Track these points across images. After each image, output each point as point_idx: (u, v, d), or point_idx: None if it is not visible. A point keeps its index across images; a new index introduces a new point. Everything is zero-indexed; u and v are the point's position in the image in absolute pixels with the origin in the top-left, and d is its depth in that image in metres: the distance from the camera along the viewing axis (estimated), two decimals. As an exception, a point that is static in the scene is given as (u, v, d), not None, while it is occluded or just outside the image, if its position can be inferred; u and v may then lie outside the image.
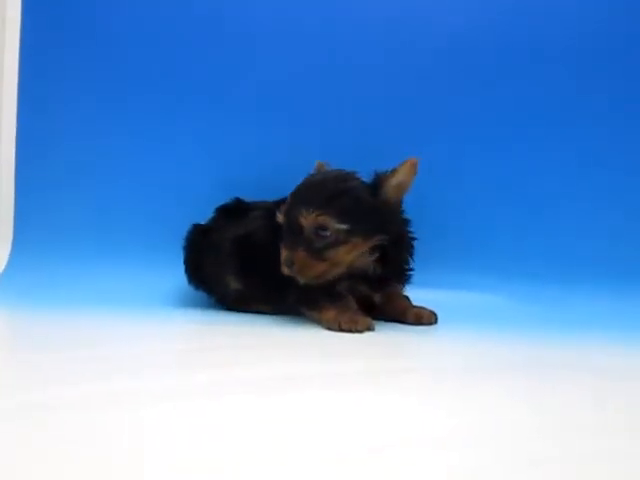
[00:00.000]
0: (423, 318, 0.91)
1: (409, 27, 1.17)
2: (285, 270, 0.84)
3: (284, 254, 0.84)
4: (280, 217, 0.87)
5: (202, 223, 1.05)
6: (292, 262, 0.83)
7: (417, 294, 0.96)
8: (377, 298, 0.91)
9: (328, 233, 0.82)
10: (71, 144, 1.26)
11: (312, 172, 0.93)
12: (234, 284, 0.98)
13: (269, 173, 1.16)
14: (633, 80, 1.13)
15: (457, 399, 0.51)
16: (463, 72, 1.16)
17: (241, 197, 1.05)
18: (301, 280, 0.84)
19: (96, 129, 1.25)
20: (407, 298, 0.96)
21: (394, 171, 0.84)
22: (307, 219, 0.82)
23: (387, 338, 0.80)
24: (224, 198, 1.08)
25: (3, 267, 1.25)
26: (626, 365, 0.68)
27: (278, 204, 0.97)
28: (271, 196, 1.00)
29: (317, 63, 1.19)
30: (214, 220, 1.04)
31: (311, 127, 1.19)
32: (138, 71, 1.24)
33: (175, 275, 1.06)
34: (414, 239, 0.92)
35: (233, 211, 1.03)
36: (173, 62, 1.23)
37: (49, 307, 0.95)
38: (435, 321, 0.92)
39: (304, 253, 0.83)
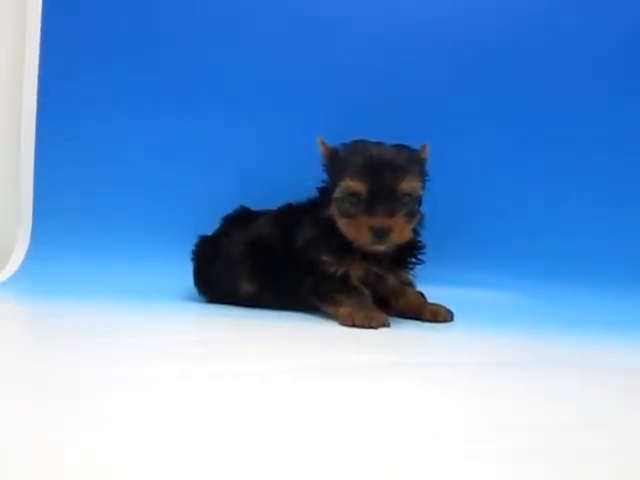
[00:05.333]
0: (439, 315, 0.90)
1: (423, 31, 1.16)
2: (368, 239, 0.82)
3: (377, 222, 0.80)
4: (357, 185, 0.82)
5: (208, 235, 1.05)
6: (390, 229, 0.81)
7: (432, 291, 0.96)
8: (391, 280, 0.90)
9: (412, 199, 0.84)
10: (88, 144, 1.28)
11: (333, 146, 0.89)
12: (246, 286, 0.98)
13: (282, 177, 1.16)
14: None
15: (474, 393, 0.50)
16: (474, 71, 1.15)
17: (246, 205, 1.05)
18: (384, 248, 0.84)
19: (112, 129, 1.27)
20: (422, 295, 0.95)
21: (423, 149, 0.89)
22: (408, 184, 0.82)
23: (403, 334, 0.80)
24: (234, 195, 1.09)
25: (21, 259, 1.27)
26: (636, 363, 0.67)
27: (283, 211, 0.99)
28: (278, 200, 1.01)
29: (322, 65, 1.19)
30: (221, 229, 1.04)
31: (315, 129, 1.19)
32: (150, 75, 1.25)
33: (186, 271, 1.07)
34: (423, 216, 0.91)
35: (240, 219, 1.03)
36: (184, 65, 1.24)
37: (66, 297, 0.97)
38: (451, 318, 0.91)
39: (403, 219, 0.83)
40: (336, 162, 0.88)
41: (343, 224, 0.85)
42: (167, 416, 0.40)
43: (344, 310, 0.83)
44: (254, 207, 1.05)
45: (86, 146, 1.28)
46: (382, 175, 0.82)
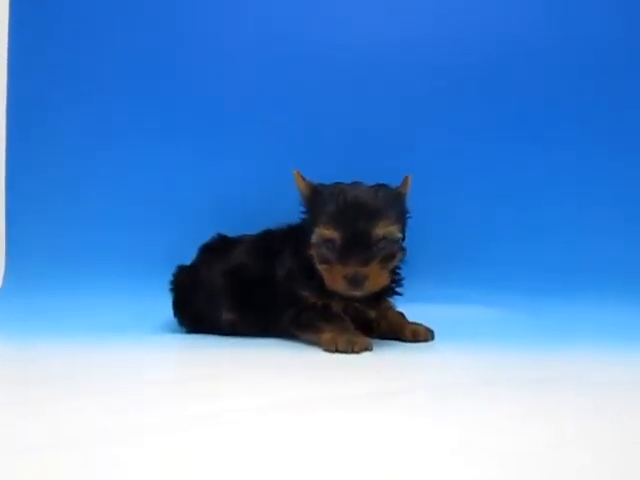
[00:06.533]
0: (420, 335, 0.91)
1: (413, 47, 1.18)
2: (343, 287, 0.81)
3: (351, 270, 0.80)
4: (330, 233, 0.82)
5: (186, 264, 1.04)
6: (365, 277, 0.80)
7: (412, 309, 0.96)
8: (372, 314, 0.91)
9: (389, 243, 0.83)
10: (64, 169, 1.25)
11: (311, 184, 0.90)
12: (227, 315, 0.97)
13: (259, 201, 1.17)
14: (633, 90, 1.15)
15: (462, 416, 0.50)
16: (457, 85, 1.17)
17: (223, 233, 1.04)
18: (360, 293, 0.83)
19: (90, 154, 1.25)
20: (402, 314, 0.95)
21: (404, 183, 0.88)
22: (381, 230, 0.81)
23: (385, 358, 0.79)
24: (219, 220, 1.11)
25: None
26: (627, 378, 0.68)
27: (262, 238, 0.99)
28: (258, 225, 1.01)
29: (302, 96, 1.20)
30: (199, 258, 1.03)
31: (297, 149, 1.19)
32: (128, 104, 1.24)
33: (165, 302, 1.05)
34: (404, 253, 0.91)
35: (218, 247, 1.02)
36: (163, 94, 1.23)
37: (41, 335, 0.94)
38: (432, 337, 0.92)
39: (378, 265, 0.82)
40: (313, 203, 0.88)
41: (321, 269, 0.85)
42: (154, 472, 0.39)
43: (326, 335, 0.82)
44: (231, 233, 1.05)
45: (59, 178, 1.26)
46: (356, 221, 0.81)
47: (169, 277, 1.03)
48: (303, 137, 1.19)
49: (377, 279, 0.83)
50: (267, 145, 1.21)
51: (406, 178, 0.90)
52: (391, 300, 0.94)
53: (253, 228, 1.03)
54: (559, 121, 1.16)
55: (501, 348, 0.85)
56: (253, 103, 1.21)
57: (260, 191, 1.19)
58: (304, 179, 0.90)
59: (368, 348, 0.81)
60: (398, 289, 0.93)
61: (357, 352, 0.79)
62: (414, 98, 1.18)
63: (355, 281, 0.80)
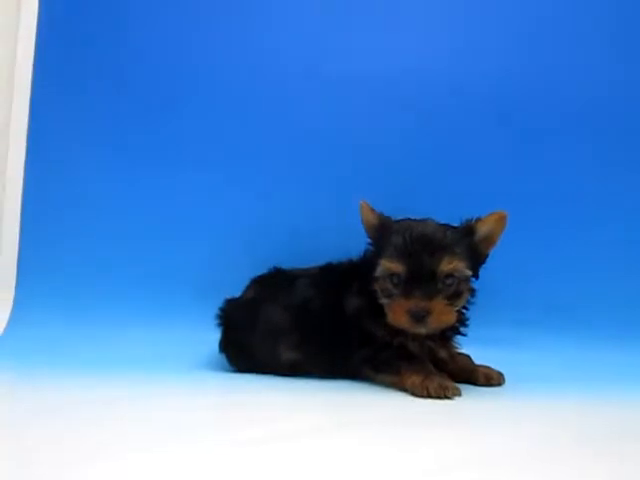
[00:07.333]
0: (493, 379, 0.88)
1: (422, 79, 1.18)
2: (406, 322, 0.79)
3: (415, 304, 0.78)
4: (395, 267, 0.80)
5: (236, 297, 0.98)
6: (427, 312, 0.78)
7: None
8: (442, 353, 0.87)
9: (456, 280, 0.80)
10: (75, 201, 1.20)
11: (387, 219, 0.88)
12: (288, 354, 0.90)
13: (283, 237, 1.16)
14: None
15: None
16: (453, 118, 1.18)
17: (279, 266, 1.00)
18: (425, 330, 0.80)
19: (102, 187, 1.20)
20: (469, 357, 0.93)
21: (481, 221, 0.84)
22: (448, 265, 0.79)
23: (475, 404, 0.77)
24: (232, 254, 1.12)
25: (3, 328, 1.13)
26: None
27: (325, 272, 0.95)
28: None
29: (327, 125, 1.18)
30: (254, 292, 0.97)
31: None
32: (151, 130, 1.20)
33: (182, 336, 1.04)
34: (474, 292, 0.88)
35: (275, 281, 0.97)
36: (185, 123, 1.20)
37: (48, 370, 0.88)
38: (504, 381, 0.89)
39: (444, 301, 0.79)
40: (380, 235, 0.86)
41: (385, 304, 0.83)
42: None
43: (414, 379, 0.79)
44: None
45: (75, 202, 1.21)
46: (421, 256, 0.79)
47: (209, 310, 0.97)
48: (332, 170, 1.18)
49: (441, 315, 0.80)
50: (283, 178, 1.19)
51: (495, 215, 0.84)
52: (457, 342, 0.92)
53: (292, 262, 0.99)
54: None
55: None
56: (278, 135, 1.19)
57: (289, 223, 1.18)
58: (373, 210, 0.88)
59: (459, 393, 0.78)
60: (462, 329, 0.90)
61: (450, 397, 0.76)
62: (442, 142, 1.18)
63: (418, 316, 0.78)
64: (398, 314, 0.80)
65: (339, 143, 1.18)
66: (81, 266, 1.19)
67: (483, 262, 0.86)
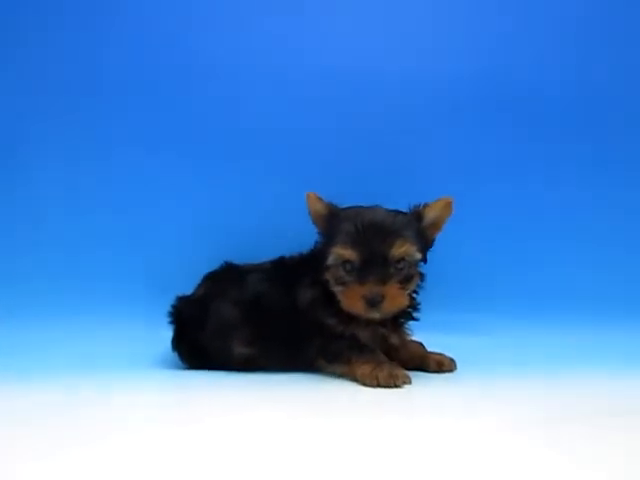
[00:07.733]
0: (444, 365, 0.90)
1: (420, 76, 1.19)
2: (361, 308, 0.79)
3: (369, 290, 0.78)
4: (348, 253, 0.80)
5: (188, 294, 0.97)
6: (382, 297, 0.78)
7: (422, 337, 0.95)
8: (394, 339, 0.88)
9: (407, 264, 0.81)
10: (41, 200, 1.17)
11: (329, 205, 0.87)
12: (240, 349, 0.89)
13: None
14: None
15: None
16: (451, 115, 1.19)
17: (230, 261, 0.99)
18: (379, 315, 0.81)
19: (73, 176, 1.17)
20: (421, 344, 0.94)
21: (429, 207, 0.85)
22: (399, 249, 0.79)
23: (425, 390, 0.77)
24: (213, 248, 1.06)
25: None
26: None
27: (277, 264, 0.95)
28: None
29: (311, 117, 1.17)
30: (205, 288, 0.96)
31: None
32: (130, 123, 1.17)
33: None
34: (423, 277, 0.89)
35: (226, 277, 0.96)
36: (169, 114, 1.17)
37: (21, 372, 0.87)
38: (455, 367, 0.91)
39: (396, 285, 0.80)
40: (330, 224, 0.86)
41: (338, 292, 0.83)
42: None
43: (364, 369, 0.79)
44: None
45: (38, 210, 1.17)
46: (373, 241, 0.80)
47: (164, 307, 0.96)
48: (303, 164, 1.17)
49: (394, 299, 0.81)
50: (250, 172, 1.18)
51: (426, 205, 0.86)
52: (409, 328, 0.92)
53: (248, 256, 0.98)
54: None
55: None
56: (254, 131, 1.18)
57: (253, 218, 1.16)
58: (321, 200, 0.88)
59: (409, 381, 0.78)
60: (415, 314, 0.90)
61: (399, 386, 0.77)
62: (421, 130, 1.18)
63: (373, 301, 0.79)
64: (353, 300, 0.80)
65: (305, 143, 1.17)
66: (25, 265, 1.16)
67: (430, 247, 0.87)
